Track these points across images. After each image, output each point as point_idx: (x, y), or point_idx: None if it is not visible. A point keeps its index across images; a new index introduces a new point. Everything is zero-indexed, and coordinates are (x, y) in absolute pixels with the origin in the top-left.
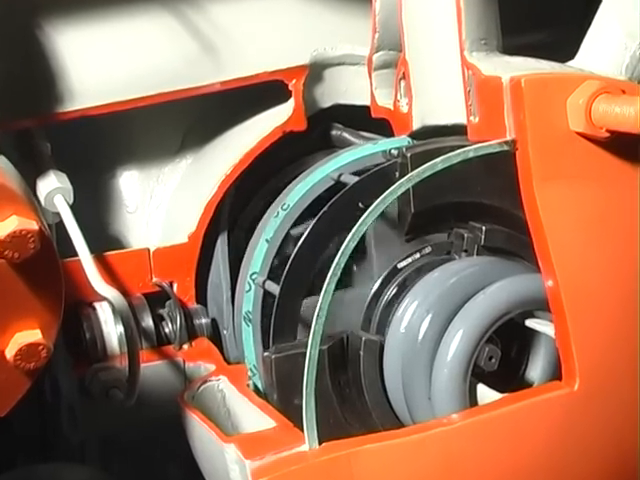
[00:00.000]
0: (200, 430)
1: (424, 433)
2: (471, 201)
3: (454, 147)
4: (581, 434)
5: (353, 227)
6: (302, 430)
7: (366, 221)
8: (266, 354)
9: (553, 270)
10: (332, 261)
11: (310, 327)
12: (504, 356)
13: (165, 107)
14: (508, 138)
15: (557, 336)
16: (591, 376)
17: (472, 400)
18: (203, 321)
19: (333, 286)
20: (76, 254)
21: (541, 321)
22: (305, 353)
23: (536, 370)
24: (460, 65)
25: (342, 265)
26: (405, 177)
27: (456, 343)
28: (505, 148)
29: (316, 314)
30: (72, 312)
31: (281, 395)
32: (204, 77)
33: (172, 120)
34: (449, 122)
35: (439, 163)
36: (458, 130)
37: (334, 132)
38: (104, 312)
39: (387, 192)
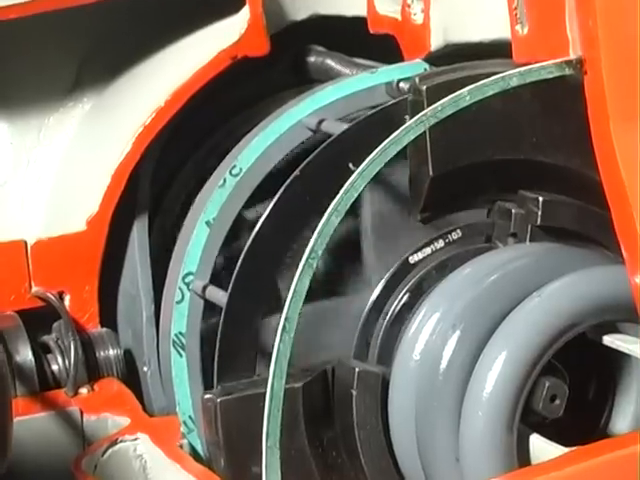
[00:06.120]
0: None
1: None
2: (521, 158)
3: (492, 75)
4: None
5: None
6: None
7: (356, 185)
8: (208, 396)
9: None
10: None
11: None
12: (576, 396)
13: (50, 22)
14: (572, 56)
15: None
16: None
17: (522, 459)
18: (111, 352)
19: (307, 282)
20: None
21: (627, 337)
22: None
23: (625, 417)
24: None
25: (320, 251)
26: (416, 117)
27: (496, 373)
28: (567, 72)
29: (281, 325)
30: None
31: (231, 458)
32: None
33: (61, 43)
34: (485, 38)
35: (466, 95)
36: (499, 50)
37: (312, 58)
38: None
39: (387, 140)
